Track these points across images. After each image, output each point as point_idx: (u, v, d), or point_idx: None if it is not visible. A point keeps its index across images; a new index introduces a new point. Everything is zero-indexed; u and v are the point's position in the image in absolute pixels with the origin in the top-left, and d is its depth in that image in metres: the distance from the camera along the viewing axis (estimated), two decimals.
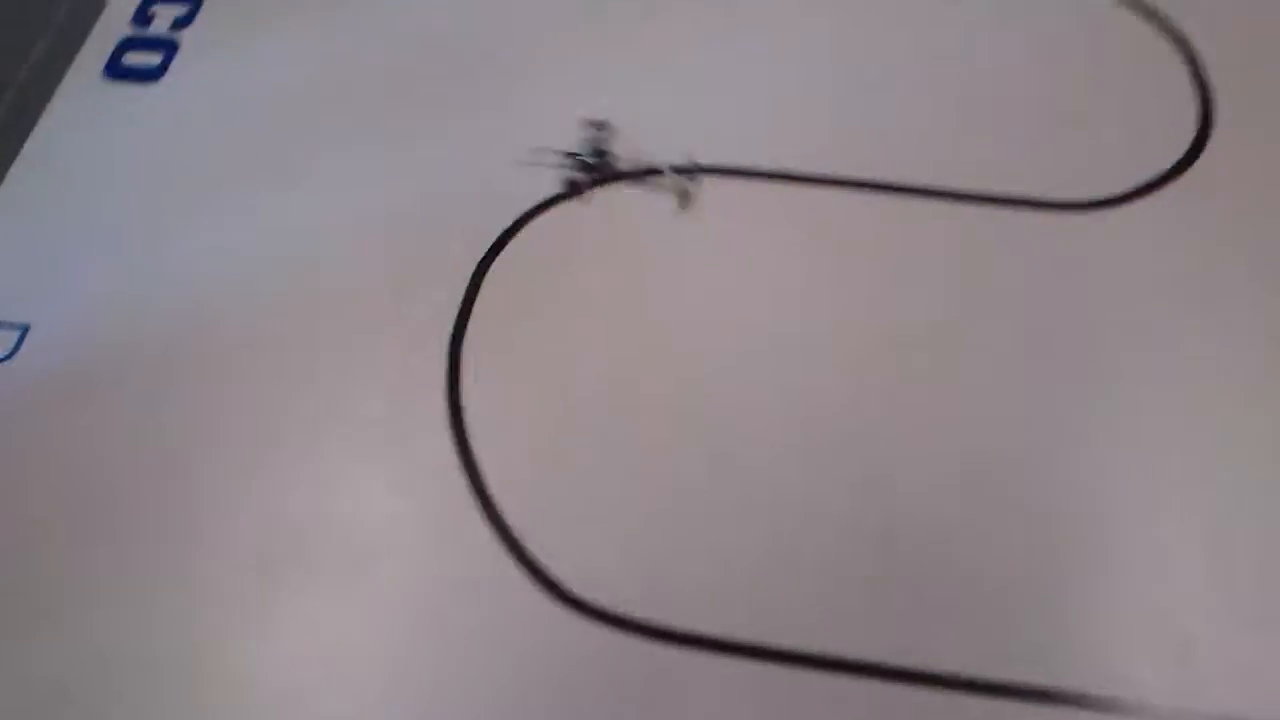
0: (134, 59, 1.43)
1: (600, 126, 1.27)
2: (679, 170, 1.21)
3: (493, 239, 1.23)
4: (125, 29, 1.45)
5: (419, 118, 1.34)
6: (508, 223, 1.24)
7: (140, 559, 1.07)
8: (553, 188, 1.27)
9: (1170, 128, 1.29)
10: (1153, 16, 1.39)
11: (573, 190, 1.26)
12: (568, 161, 1.27)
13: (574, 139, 1.30)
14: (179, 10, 1.47)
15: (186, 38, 1.44)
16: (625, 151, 1.29)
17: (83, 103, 1.39)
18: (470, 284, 1.21)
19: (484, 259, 1.22)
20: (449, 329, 1.18)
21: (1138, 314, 1.17)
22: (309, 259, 1.24)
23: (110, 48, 1.44)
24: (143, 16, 1.47)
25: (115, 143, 1.35)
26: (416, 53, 1.40)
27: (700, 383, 1.14)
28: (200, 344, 1.20)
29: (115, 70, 1.42)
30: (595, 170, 1.28)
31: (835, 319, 1.17)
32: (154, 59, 1.42)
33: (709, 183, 1.27)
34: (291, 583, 1.06)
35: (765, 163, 1.28)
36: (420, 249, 1.24)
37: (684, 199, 1.21)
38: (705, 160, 1.28)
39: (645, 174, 1.27)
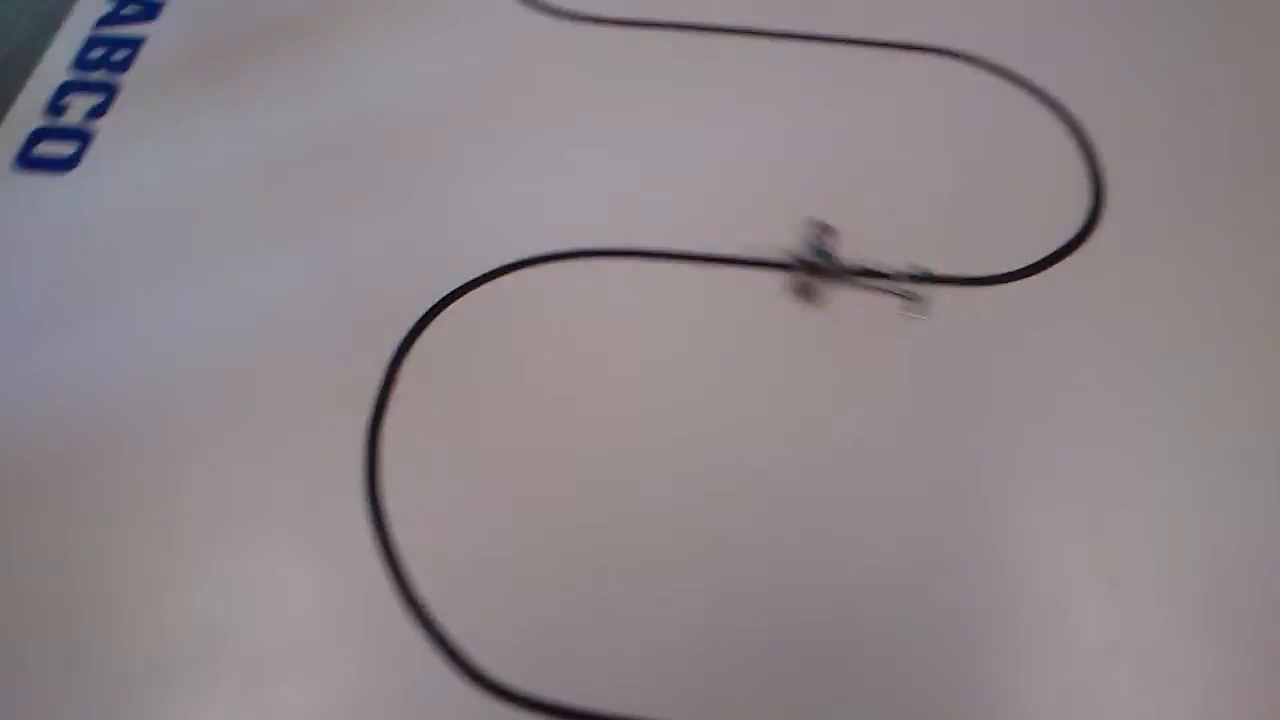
0: (46, 149, 1.42)
1: (825, 230, 1.29)
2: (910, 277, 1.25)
3: (408, 326, 1.24)
4: (38, 119, 1.45)
5: (334, 206, 1.36)
6: (421, 311, 1.26)
7: (27, 671, 1.06)
8: (468, 271, 1.28)
9: (1066, 204, 1.34)
10: (1045, 100, 1.44)
11: (805, 293, 1.26)
12: (794, 261, 1.26)
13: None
14: (94, 100, 1.47)
15: (101, 128, 1.44)
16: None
17: None
18: (387, 370, 1.21)
19: (401, 345, 1.23)
20: (367, 416, 1.18)
21: (1044, 379, 1.20)
22: (222, 351, 1.24)
23: (22, 138, 1.43)
24: (56, 106, 1.47)
25: (25, 233, 1.34)
26: (331, 143, 1.42)
27: (612, 470, 1.15)
28: (106, 439, 1.19)
29: (26, 161, 1.41)
30: (821, 270, 1.26)
31: (745, 403, 1.19)
32: (67, 149, 1.42)
33: (611, 264, 1.30)
34: (191, 690, 1.05)
35: (671, 243, 1.31)
36: (336, 336, 1.24)
37: (912, 304, 1.24)
38: (612, 241, 1.31)
39: (871, 275, 1.26)
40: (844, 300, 1.26)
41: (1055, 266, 1.29)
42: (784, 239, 1.29)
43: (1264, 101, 1.43)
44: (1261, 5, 1.54)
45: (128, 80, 1.49)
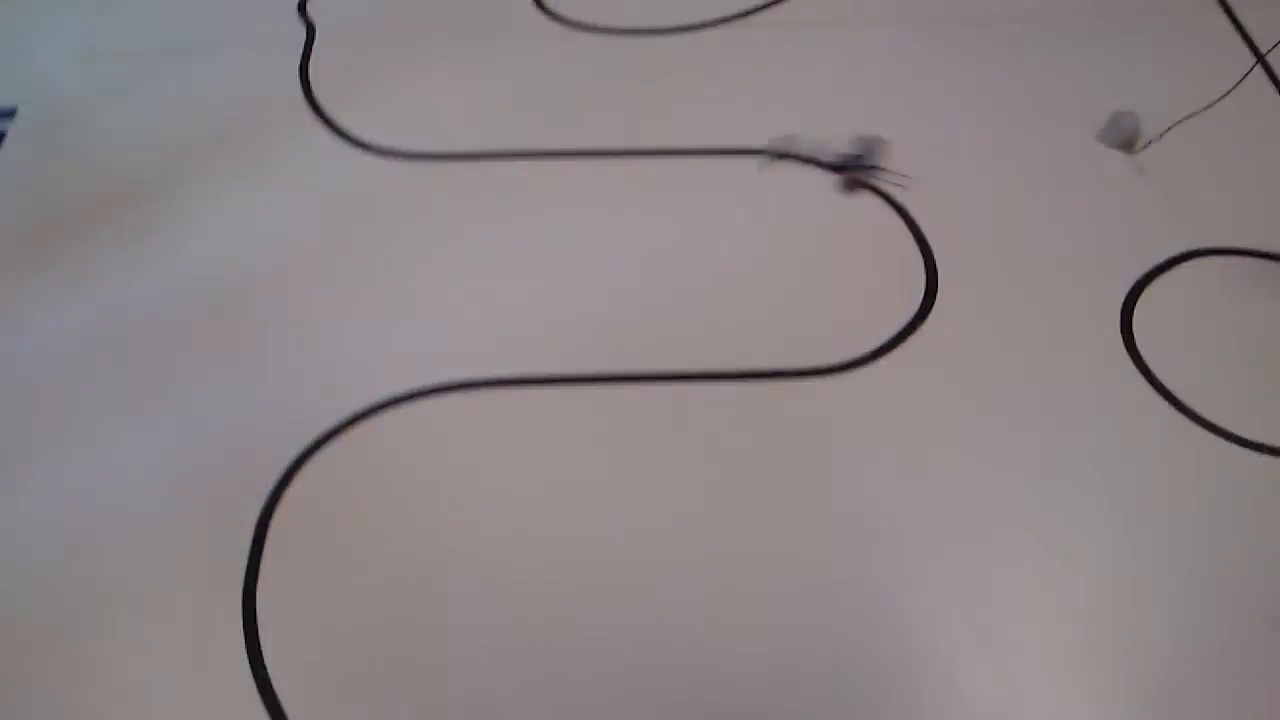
0: None
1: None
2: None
3: (271, 484, 1.23)
4: None
5: (180, 374, 1.33)
6: (286, 463, 1.24)
7: None
8: (324, 421, 1.28)
9: (902, 291, 1.41)
10: (878, 193, 1.52)
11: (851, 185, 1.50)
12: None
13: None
14: None
15: None
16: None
17: None
18: (257, 527, 1.19)
19: (265, 505, 1.21)
20: (240, 582, 1.16)
21: (902, 451, 1.25)
22: (81, 533, 1.20)
23: None
24: None
25: None
26: (172, 309, 1.40)
27: (504, 607, 1.14)
28: None
29: None
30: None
31: (618, 516, 1.21)
32: None
33: (474, 395, 1.31)
34: None
35: (525, 369, 1.33)
36: (200, 503, 1.22)
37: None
38: (481, 373, 1.32)
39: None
40: (705, 406, 1.30)
41: (899, 348, 1.35)
42: (651, 351, 1.33)
43: (1070, 171, 1.54)
44: (1061, 83, 1.67)
45: None
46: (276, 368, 1.34)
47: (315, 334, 1.37)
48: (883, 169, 1.50)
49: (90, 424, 1.29)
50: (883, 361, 1.34)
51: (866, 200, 1.51)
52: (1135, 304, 1.38)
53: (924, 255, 1.44)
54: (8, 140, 1.61)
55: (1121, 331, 1.35)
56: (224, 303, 1.41)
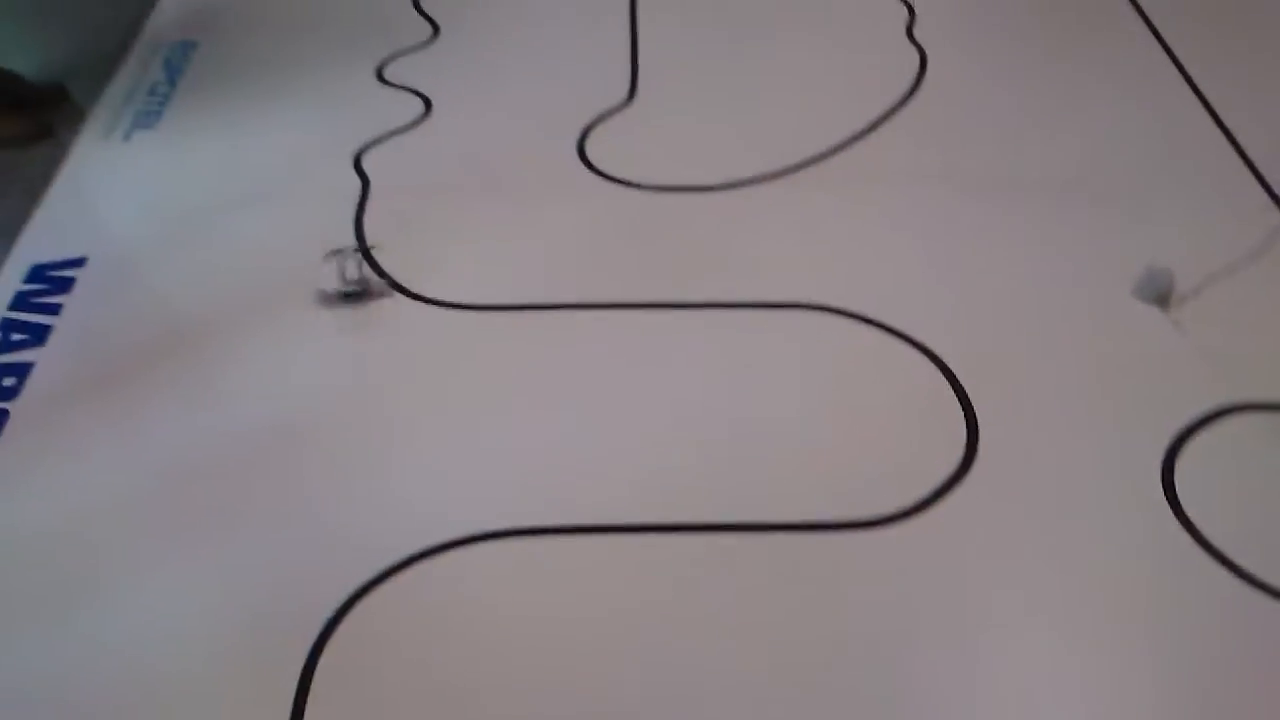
0: None
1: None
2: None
3: (318, 627, 1.24)
4: None
5: (226, 520, 1.36)
6: (330, 610, 1.25)
7: None
8: (371, 568, 1.30)
9: (942, 444, 1.42)
10: (920, 349, 1.54)
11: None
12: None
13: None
14: None
15: None
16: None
17: None
18: (301, 675, 1.20)
19: (312, 649, 1.22)
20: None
21: (943, 609, 1.24)
22: (132, 671, 1.21)
23: None
24: None
25: None
26: (220, 456, 1.43)
27: None
28: None
29: None
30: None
31: (658, 668, 1.21)
32: None
33: (513, 543, 1.32)
34: None
35: (567, 518, 1.34)
36: (245, 650, 1.23)
37: None
38: (519, 522, 1.34)
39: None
40: (750, 557, 1.30)
41: (938, 503, 1.36)
42: (687, 502, 1.35)
43: (1107, 326, 1.57)
44: (1096, 240, 1.70)
45: (16, 407, 1.50)
46: (322, 515, 1.36)
47: (361, 481, 1.40)
48: None
49: (138, 568, 1.31)
50: (922, 516, 1.34)
51: (906, 352, 1.54)
52: (1176, 458, 1.38)
53: (964, 408, 1.46)
54: (76, 287, 1.67)
55: (1164, 487, 1.35)
56: (273, 448, 1.44)
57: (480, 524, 1.34)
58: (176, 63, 2.18)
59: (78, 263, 1.72)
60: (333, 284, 1.62)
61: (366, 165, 1.89)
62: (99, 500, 1.38)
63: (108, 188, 1.90)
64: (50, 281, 1.69)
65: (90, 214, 1.84)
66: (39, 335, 1.60)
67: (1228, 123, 1.92)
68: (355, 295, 1.62)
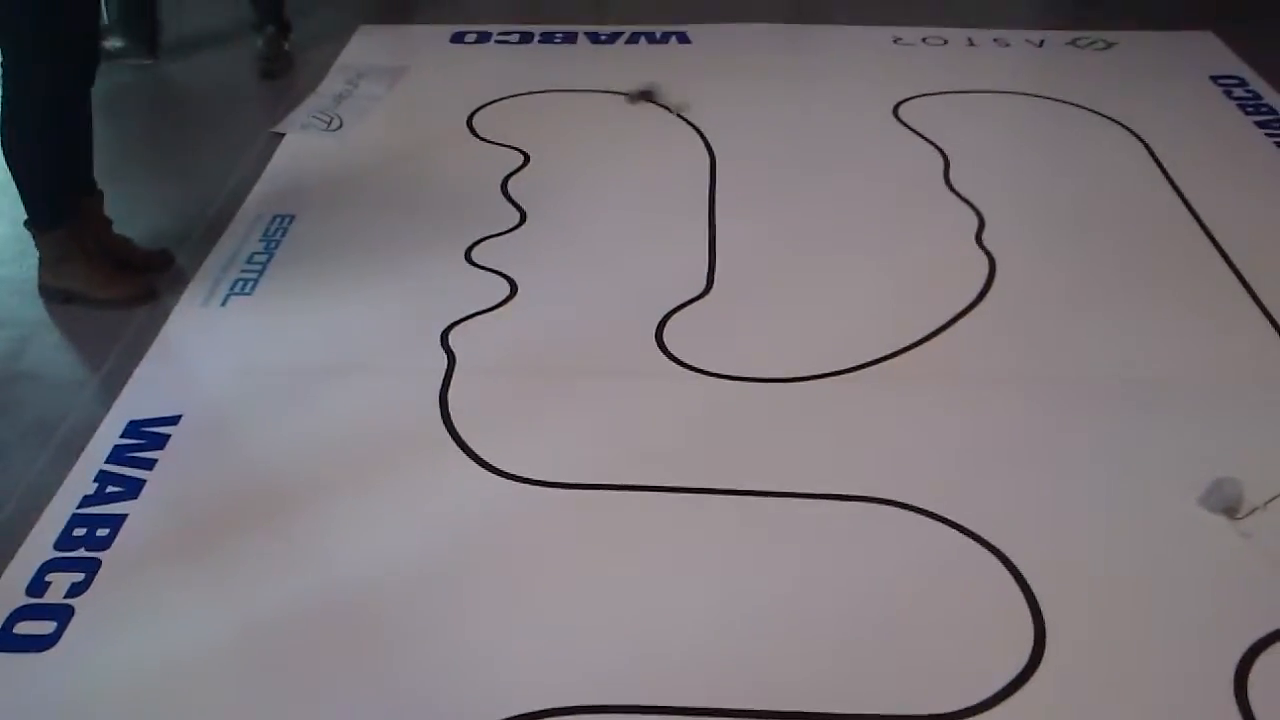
0: (25, 628, 1.45)
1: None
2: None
3: None
4: (19, 599, 1.49)
5: (313, 685, 1.39)
6: None
7: None
8: None
9: (1008, 645, 1.43)
10: (988, 547, 1.56)
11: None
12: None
13: None
14: (74, 577, 1.52)
15: (81, 605, 1.48)
16: None
17: None
18: None
19: None
20: None
21: None
22: None
23: (1, 619, 1.46)
24: (38, 586, 1.51)
25: (5, 712, 1.35)
26: (306, 618, 1.47)
27: None
28: None
29: (5, 640, 1.43)
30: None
31: None
32: (46, 628, 1.45)
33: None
34: None
35: (640, 697, 1.36)
36: None
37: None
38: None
39: None
40: None
41: (1004, 703, 1.36)
42: (752, 689, 1.36)
43: (1174, 535, 1.58)
44: (1164, 445, 1.73)
45: (108, 558, 1.55)
46: (404, 683, 1.39)
47: (443, 651, 1.43)
48: None
49: None
50: (989, 715, 1.34)
51: (973, 550, 1.55)
52: (1248, 675, 1.38)
53: (1031, 610, 1.47)
54: (170, 444, 1.74)
55: (1236, 702, 1.35)
56: (355, 616, 1.47)
57: (562, 698, 1.35)
58: (275, 234, 2.30)
59: (173, 420, 1.79)
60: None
61: (453, 342, 1.97)
62: (180, 655, 1.42)
63: (204, 350, 1.99)
64: (146, 437, 1.76)
65: (186, 374, 1.93)
66: (134, 489, 1.67)
67: None
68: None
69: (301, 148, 2.64)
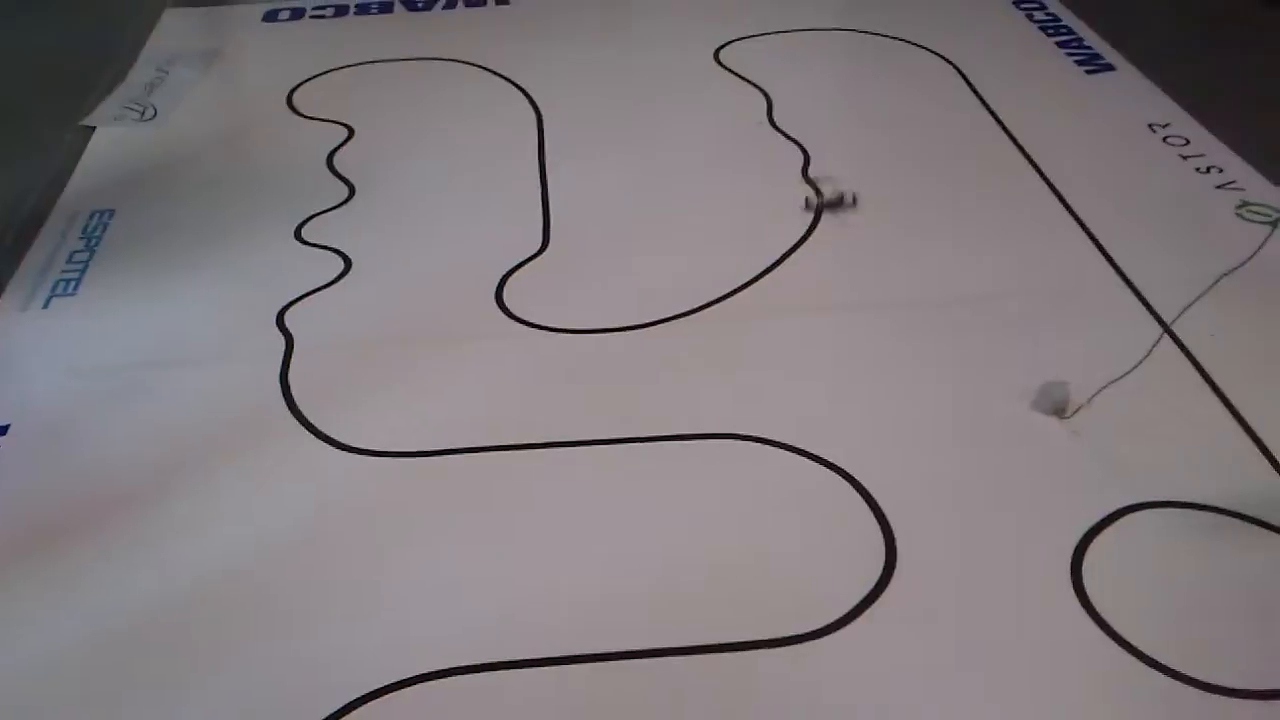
0: None
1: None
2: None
3: None
4: None
5: (184, 673, 1.36)
6: None
7: None
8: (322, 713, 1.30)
9: (861, 561, 1.48)
10: (835, 469, 1.61)
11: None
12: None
13: None
14: None
15: None
16: None
17: None
18: None
19: None
20: None
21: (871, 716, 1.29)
22: None
23: None
24: None
25: None
26: (177, 608, 1.44)
27: None
28: None
29: None
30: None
31: None
32: None
33: (460, 680, 1.34)
34: None
35: (515, 653, 1.37)
36: None
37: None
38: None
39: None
40: (687, 677, 1.34)
41: (861, 617, 1.40)
42: (623, 630, 1.38)
43: (1011, 438, 1.65)
44: (997, 358, 1.80)
45: None
46: (271, 666, 1.37)
47: (309, 631, 1.41)
48: None
49: None
50: (845, 631, 1.39)
51: (825, 477, 1.60)
52: (1082, 561, 1.45)
53: (881, 527, 1.52)
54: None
55: (1073, 587, 1.42)
56: (210, 607, 1.45)
57: (424, 663, 1.36)
58: (94, 231, 2.22)
59: (0, 430, 1.73)
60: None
61: (289, 323, 1.93)
62: (31, 666, 1.38)
63: (28, 355, 1.91)
64: None
65: (10, 382, 1.85)
66: None
67: (1108, 249, 2.05)
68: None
69: (115, 140, 2.55)
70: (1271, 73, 2.68)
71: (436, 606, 1.44)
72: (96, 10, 3.02)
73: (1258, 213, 2.11)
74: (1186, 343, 1.79)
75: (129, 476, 1.65)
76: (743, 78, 2.71)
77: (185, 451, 1.68)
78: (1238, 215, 2.12)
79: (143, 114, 2.65)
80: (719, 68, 2.77)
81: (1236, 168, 2.27)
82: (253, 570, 1.50)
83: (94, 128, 2.59)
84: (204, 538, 1.54)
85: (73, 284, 2.06)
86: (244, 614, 1.44)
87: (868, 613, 1.41)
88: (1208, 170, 2.27)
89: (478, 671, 1.35)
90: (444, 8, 3.19)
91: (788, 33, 2.94)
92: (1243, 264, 1.52)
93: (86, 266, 2.11)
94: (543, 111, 2.59)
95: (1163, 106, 2.52)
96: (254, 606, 1.45)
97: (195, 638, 1.41)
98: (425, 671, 1.35)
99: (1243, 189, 2.20)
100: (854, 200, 2.17)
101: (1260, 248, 1.51)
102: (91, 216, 2.26)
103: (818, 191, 2.21)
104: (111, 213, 2.27)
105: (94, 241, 2.18)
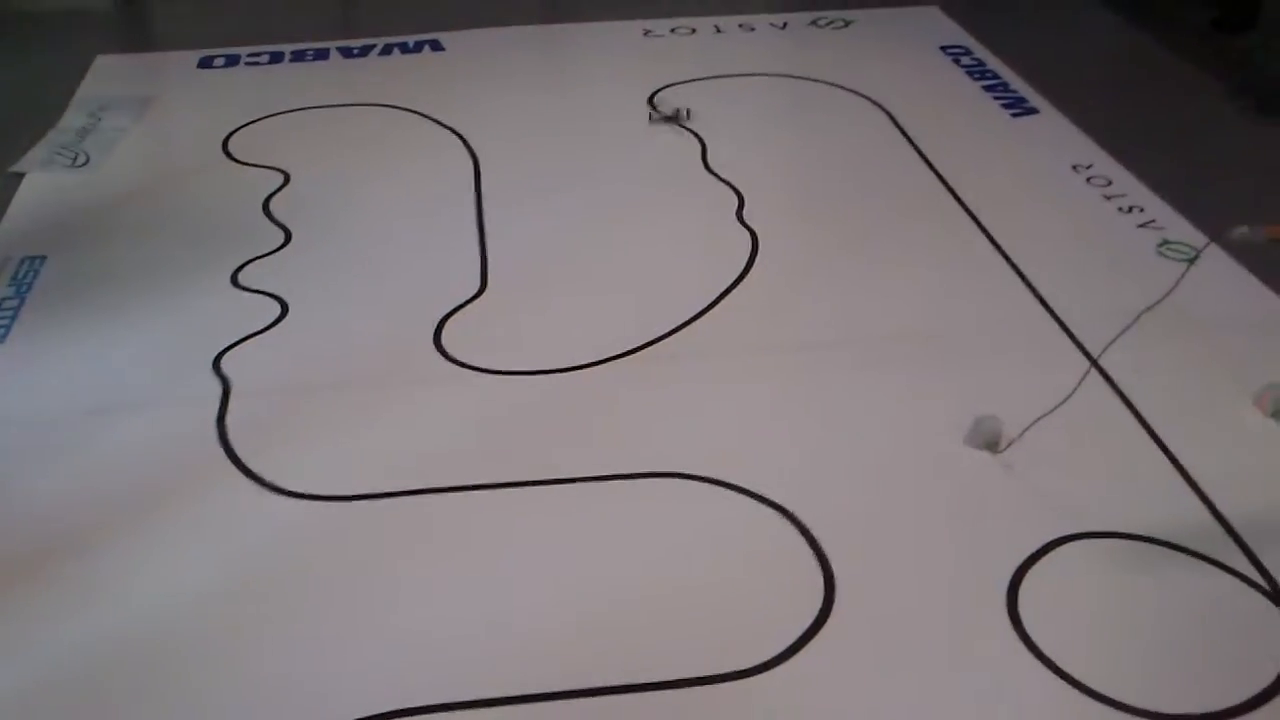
0: None
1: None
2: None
3: None
4: None
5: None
6: None
7: None
8: None
9: (801, 596, 1.49)
10: (774, 506, 1.62)
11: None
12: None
13: None
14: None
15: None
16: None
17: None
18: None
19: None
20: None
21: None
22: None
23: None
24: None
25: None
26: (115, 657, 1.42)
27: None
28: None
29: None
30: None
31: None
32: None
33: None
34: None
35: (457, 694, 1.37)
36: None
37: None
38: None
39: None
40: (623, 714, 1.34)
41: (802, 652, 1.41)
42: (566, 669, 1.38)
43: (945, 472, 1.68)
44: (929, 394, 1.83)
45: None
46: (205, 715, 1.35)
47: (246, 677, 1.39)
48: None
49: None
50: (786, 666, 1.40)
51: (760, 511, 1.61)
52: (1018, 592, 1.48)
53: (820, 561, 1.54)
54: None
55: (1009, 617, 1.44)
56: (155, 652, 1.43)
57: (359, 708, 1.34)
58: (25, 278, 2.19)
59: None
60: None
61: (226, 368, 1.92)
62: None
63: None
64: None
65: None
66: None
67: (1036, 286, 2.10)
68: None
69: (46, 186, 2.52)
70: (1192, 116, 2.78)
71: (372, 649, 1.43)
72: (25, 57, 2.99)
73: (1177, 250, 2.17)
74: (1113, 376, 1.83)
75: (62, 526, 1.62)
76: (676, 122, 2.74)
77: (120, 499, 1.66)
78: (1159, 253, 2.19)
79: (74, 160, 2.63)
80: (654, 112, 2.80)
81: (1156, 207, 2.34)
82: (194, 616, 1.48)
83: (23, 174, 2.56)
84: (144, 586, 1.52)
85: (2, 332, 2.03)
86: (182, 661, 1.42)
87: (809, 646, 1.42)
88: (1129, 210, 2.34)
89: (413, 715, 1.34)
90: (379, 54, 3.20)
91: (721, 78, 2.99)
92: (1161, 300, 1.56)
93: (16, 314, 2.08)
94: (479, 155, 2.61)
95: (1085, 148, 2.60)
96: (196, 652, 1.43)
97: (130, 686, 1.39)
98: (361, 717, 1.34)
99: (1163, 228, 2.27)
100: (688, 114, 2.66)
101: (1176, 284, 1.56)
102: (22, 263, 2.23)
103: (656, 109, 2.71)
104: (43, 259, 2.24)
105: (24, 288, 2.16)
